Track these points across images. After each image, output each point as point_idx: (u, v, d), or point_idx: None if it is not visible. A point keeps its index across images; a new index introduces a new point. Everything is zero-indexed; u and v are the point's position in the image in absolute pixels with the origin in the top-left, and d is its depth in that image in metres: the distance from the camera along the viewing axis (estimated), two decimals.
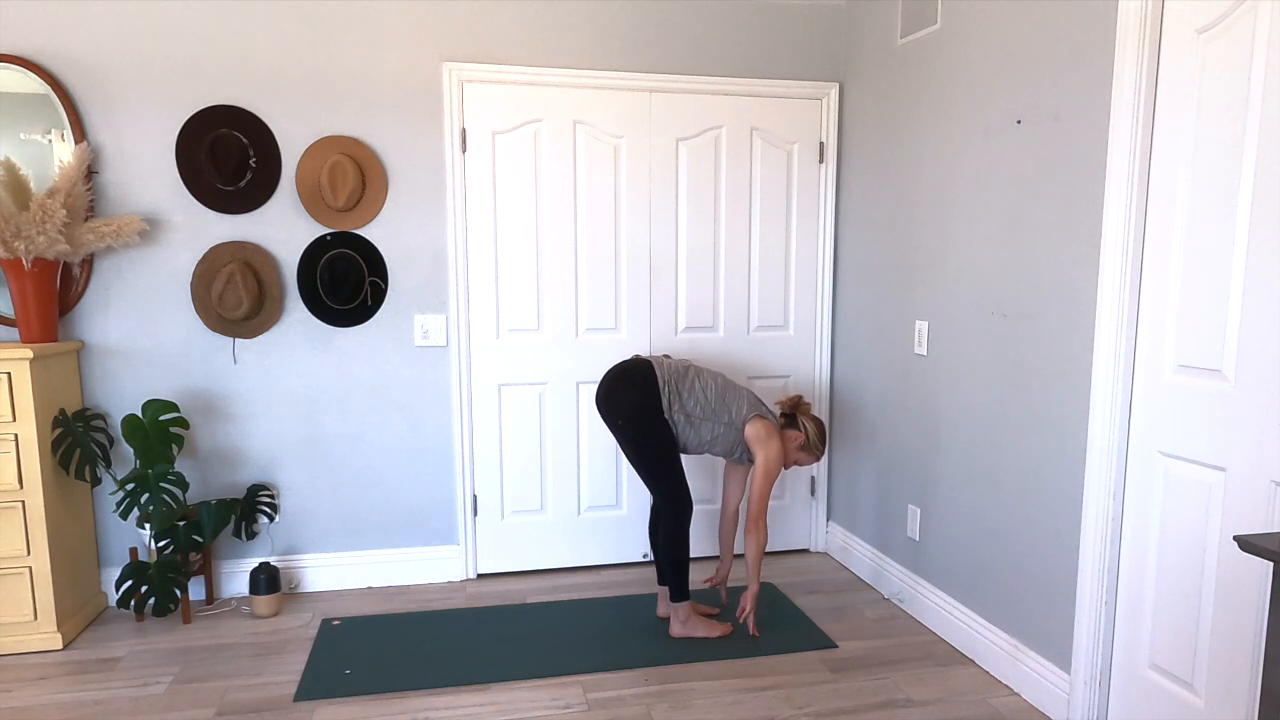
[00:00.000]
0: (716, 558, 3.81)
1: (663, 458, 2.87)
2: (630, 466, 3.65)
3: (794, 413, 3.01)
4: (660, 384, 2.87)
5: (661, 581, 3.12)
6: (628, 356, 3.08)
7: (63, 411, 2.95)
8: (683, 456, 3.17)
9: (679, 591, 2.94)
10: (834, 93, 3.65)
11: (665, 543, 2.91)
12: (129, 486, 2.93)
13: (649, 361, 2.92)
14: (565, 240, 3.50)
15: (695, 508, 3.71)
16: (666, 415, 2.86)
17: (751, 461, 2.93)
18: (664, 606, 3.14)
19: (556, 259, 3.50)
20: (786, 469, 3.14)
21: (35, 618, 2.87)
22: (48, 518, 2.85)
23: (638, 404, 2.86)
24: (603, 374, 3.01)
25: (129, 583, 2.97)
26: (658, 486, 2.89)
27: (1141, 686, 2.27)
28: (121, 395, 3.21)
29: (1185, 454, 2.10)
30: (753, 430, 2.87)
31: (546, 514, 3.62)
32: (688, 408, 2.88)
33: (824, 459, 3.87)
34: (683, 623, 2.96)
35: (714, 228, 3.64)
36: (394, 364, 3.41)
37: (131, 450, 3.16)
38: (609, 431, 3.20)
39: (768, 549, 3.88)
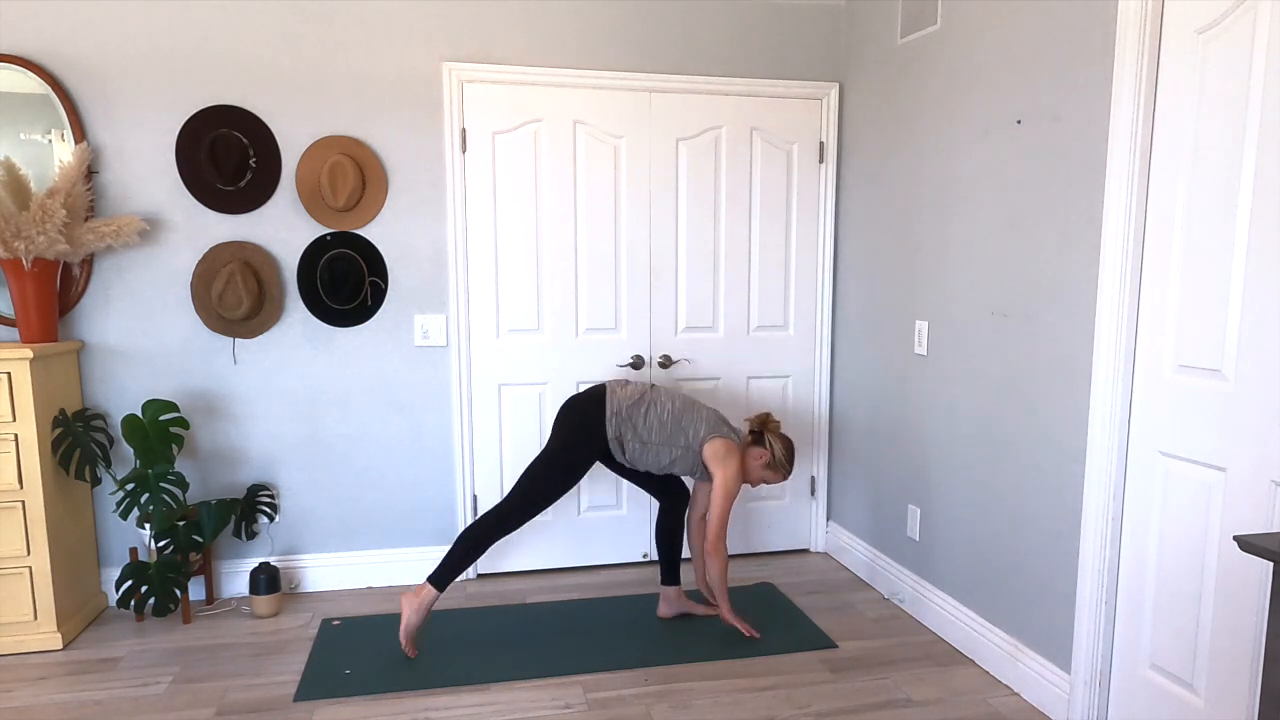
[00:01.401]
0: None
1: (550, 481, 2.82)
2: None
3: (762, 430, 2.97)
4: (609, 415, 2.83)
5: (664, 581, 3.12)
6: (593, 384, 3.00)
7: (63, 411, 2.95)
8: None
9: (441, 575, 2.77)
10: (834, 93, 3.65)
11: (475, 528, 2.79)
12: (129, 486, 2.93)
13: (603, 390, 2.89)
14: (565, 240, 3.50)
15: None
16: (613, 445, 2.84)
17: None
18: (665, 606, 3.14)
19: (556, 259, 3.50)
20: (753, 486, 3.07)
21: (35, 618, 2.87)
22: (48, 518, 2.85)
23: (574, 431, 2.84)
24: (567, 398, 2.97)
25: (129, 583, 2.96)
26: (523, 495, 2.81)
27: (1141, 686, 2.27)
28: (121, 395, 3.21)
29: (1185, 454, 2.10)
30: (710, 450, 2.84)
31: (546, 514, 3.62)
32: (642, 435, 2.85)
33: (824, 459, 3.87)
34: (417, 610, 2.77)
35: (714, 228, 3.64)
36: (394, 364, 3.41)
37: (131, 450, 3.16)
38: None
39: (768, 549, 3.88)
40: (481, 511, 3.55)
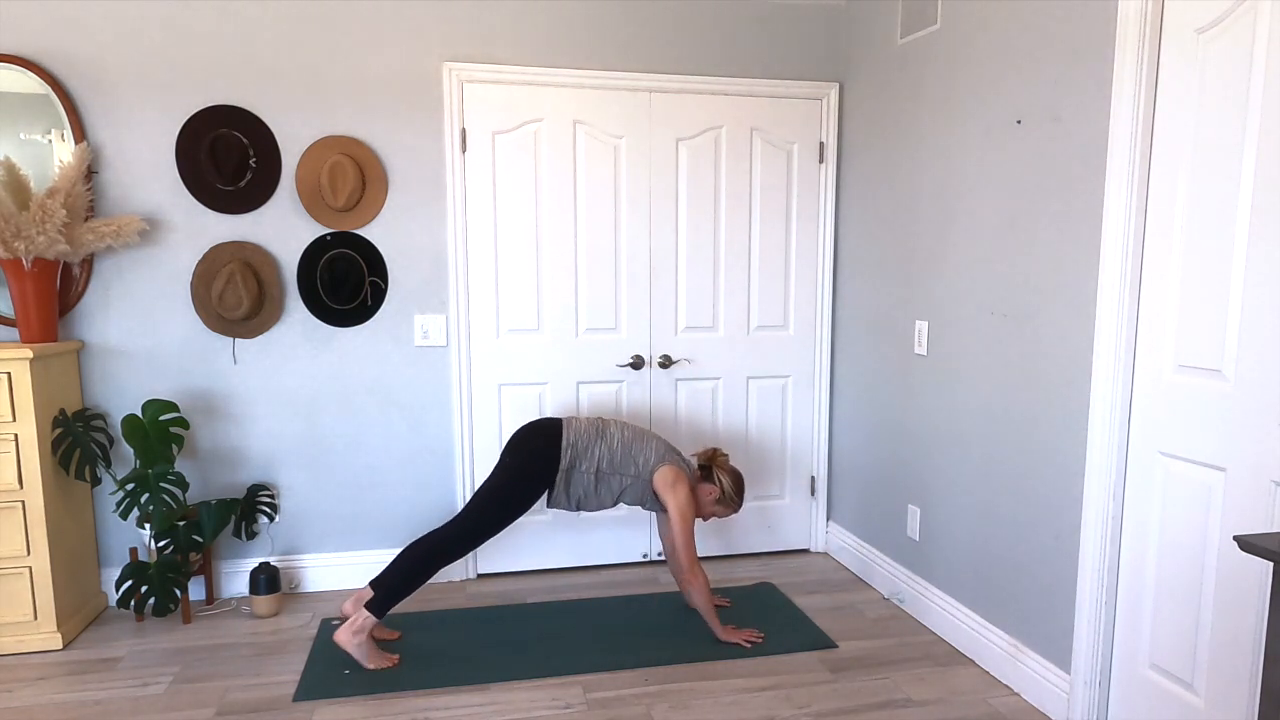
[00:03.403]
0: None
1: (502, 506, 2.78)
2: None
3: (710, 465, 2.98)
4: (564, 445, 2.84)
5: (376, 580, 2.76)
6: (546, 415, 2.96)
7: (63, 411, 2.95)
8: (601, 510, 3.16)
9: (381, 603, 2.68)
10: (834, 93, 3.65)
11: (421, 552, 2.71)
12: (129, 486, 2.93)
13: (560, 422, 2.91)
14: (565, 240, 3.50)
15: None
16: (562, 475, 2.83)
17: (665, 510, 2.90)
18: (352, 604, 2.85)
19: (556, 259, 3.50)
20: (704, 520, 3.07)
21: (35, 618, 2.87)
22: (48, 518, 2.85)
23: (531, 459, 2.82)
24: (520, 425, 2.98)
25: (129, 583, 2.96)
26: (472, 519, 2.76)
27: (1141, 686, 2.27)
28: (121, 395, 3.21)
29: (1185, 454, 2.10)
30: (659, 478, 2.86)
31: (546, 513, 3.62)
32: (596, 465, 2.86)
33: (824, 459, 3.87)
34: (355, 633, 2.67)
35: (714, 228, 3.64)
36: (394, 364, 3.41)
37: (131, 450, 3.16)
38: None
39: (769, 549, 3.88)
40: None
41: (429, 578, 2.75)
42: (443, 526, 2.82)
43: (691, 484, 2.92)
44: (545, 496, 2.89)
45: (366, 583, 2.97)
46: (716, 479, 2.96)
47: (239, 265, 3.16)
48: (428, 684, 2.65)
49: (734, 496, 2.97)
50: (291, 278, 3.29)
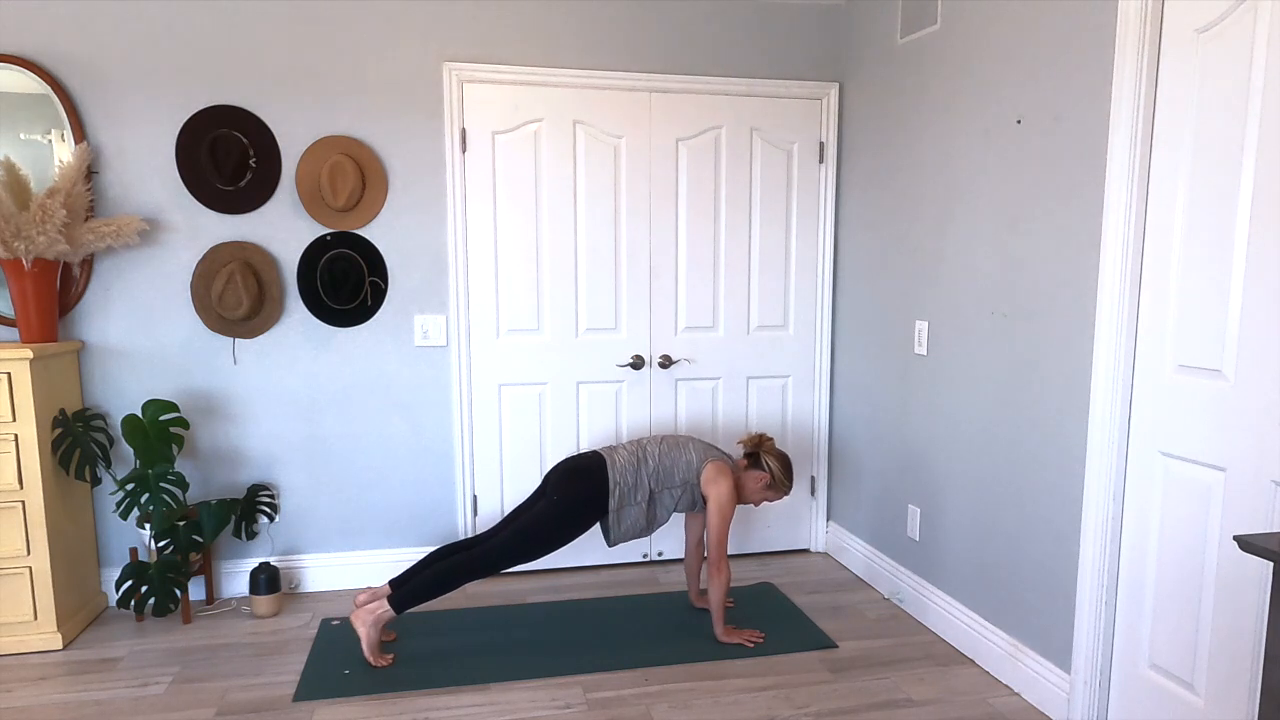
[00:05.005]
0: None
1: (540, 541, 2.80)
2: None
3: (756, 451, 2.98)
4: (611, 485, 2.83)
5: (396, 580, 2.88)
6: (585, 450, 2.96)
7: (63, 411, 2.95)
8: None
9: (404, 601, 2.73)
10: (834, 93, 3.65)
11: (454, 567, 2.74)
12: (129, 486, 2.93)
13: (604, 463, 2.87)
14: (565, 240, 3.50)
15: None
16: (613, 516, 2.83)
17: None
18: (368, 594, 2.89)
19: (556, 259, 3.50)
20: (755, 506, 3.07)
21: (35, 618, 2.87)
22: (48, 518, 2.85)
23: (578, 500, 2.82)
24: (560, 461, 2.99)
25: (129, 583, 2.97)
26: (512, 548, 2.79)
27: (1141, 686, 2.27)
28: (121, 395, 3.21)
29: (1185, 454, 2.10)
30: (704, 476, 2.88)
31: None
32: (647, 492, 2.86)
33: (824, 459, 3.87)
34: (374, 623, 2.73)
35: (714, 227, 3.64)
36: (394, 364, 3.41)
37: (131, 450, 3.16)
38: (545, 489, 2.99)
39: (768, 549, 3.89)
40: (482, 513, 3.55)
41: (453, 590, 2.79)
42: (479, 544, 2.82)
43: (736, 476, 2.93)
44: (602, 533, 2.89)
45: (385, 582, 2.99)
46: (765, 464, 2.96)
47: (239, 265, 3.16)
48: (428, 684, 2.65)
49: (784, 480, 2.98)
50: (291, 278, 3.29)
